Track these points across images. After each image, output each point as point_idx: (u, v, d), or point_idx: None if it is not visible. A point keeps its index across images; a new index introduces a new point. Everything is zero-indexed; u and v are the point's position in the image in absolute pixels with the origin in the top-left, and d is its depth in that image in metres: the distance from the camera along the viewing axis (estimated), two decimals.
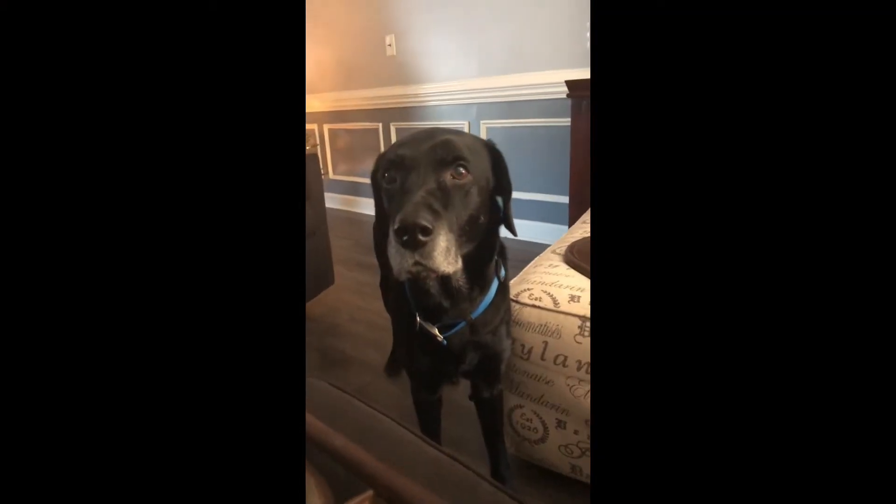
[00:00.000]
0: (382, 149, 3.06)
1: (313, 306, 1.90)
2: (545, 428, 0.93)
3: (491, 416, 0.93)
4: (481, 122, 2.59)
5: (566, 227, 2.36)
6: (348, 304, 1.93)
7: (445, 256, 0.55)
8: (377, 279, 1.28)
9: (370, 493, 0.36)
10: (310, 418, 0.43)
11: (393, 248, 0.55)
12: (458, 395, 1.19)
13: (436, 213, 0.55)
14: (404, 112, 2.96)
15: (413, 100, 2.88)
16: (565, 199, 2.33)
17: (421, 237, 0.52)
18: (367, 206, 3.42)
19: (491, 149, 0.69)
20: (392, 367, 1.43)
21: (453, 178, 0.61)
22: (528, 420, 0.95)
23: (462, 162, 0.61)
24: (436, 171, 0.60)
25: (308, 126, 3.57)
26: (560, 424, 0.91)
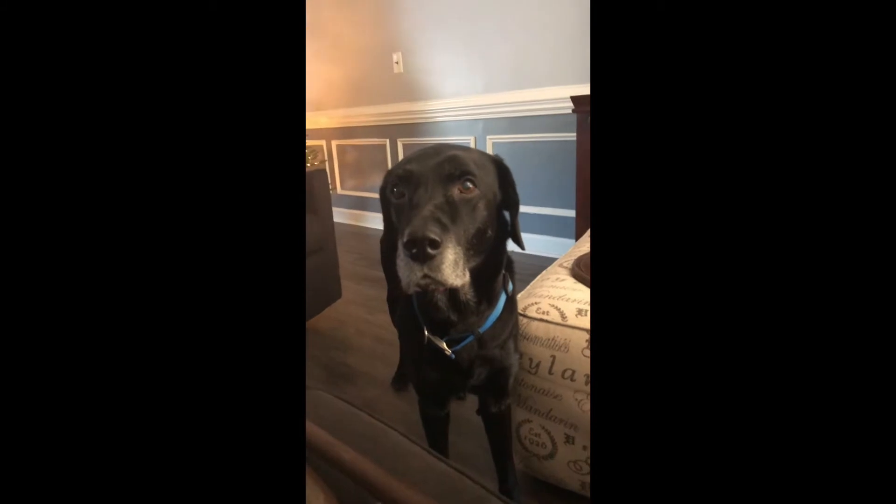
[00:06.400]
0: (390, 164, 3.09)
1: (320, 320, 1.90)
2: (553, 443, 0.92)
3: (499, 432, 0.92)
4: (487, 137, 2.62)
5: (573, 240, 2.36)
6: (355, 317, 1.93)
7: (454, 269, 0.56)
8: (384, 293, 1.28)
9: None
10: (317, 430, 0.43)
11: (402, 262, 0.55)
12: (465, 411, 1.18)
13: (444, 227, 0.56)
14: (411, 128, 3.00)
15: (420, 116, 2.92)
16: (572, 213, 2.34)
17: (430, 250, 0.53)
18: (374, 221, 3.44)
19: (498, 164, 0.70)
20: (399, 382, 1.43)
21: (461, 192, 0.62)
22: (536, 435, 0.94)
23: (469, 176, 0.62)
24: (444, 185, 0.61)
25: (316, 142, 3.62)
26: (569, 440, 0.90)
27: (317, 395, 0.59)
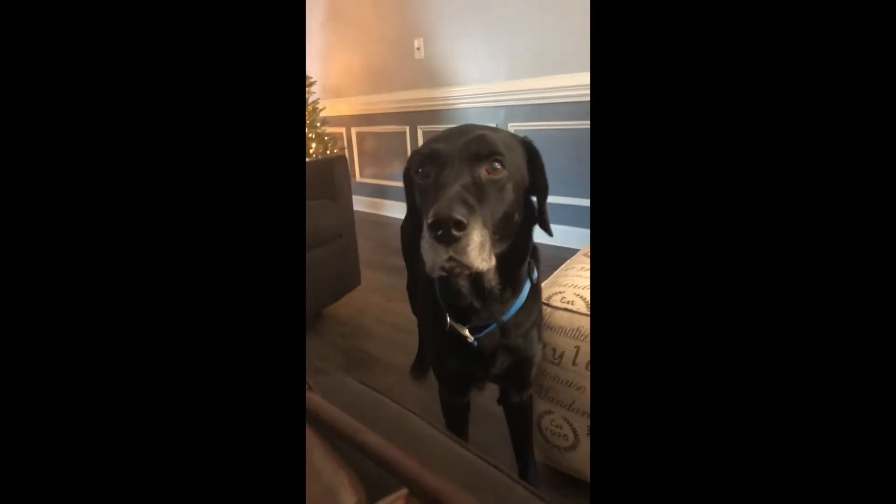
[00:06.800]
0: (409, 152, 3.07)
1: (339, 308, 1.91)
2: (576, 435, 0.90)
3: (519, 422, 0.91)
4: (509, 124, 2.57)
5: None
6: (374, 305, 1.94)
7: (479, 252, 0.54)
8: (403, 281, 1.27)
9: (404, 491, 0.35)
10: (342, 414, 0.42)
11: (426, 244, 0.54)
12: (485, 401, 1.17)
13: (470, 208, 0.54)
14: (432, 115, 2.97)
15: (441, 103, 2.89)
16: None
17: (455, 231, 0.51)
18: (392, 209, 3.44)
19: (527, 146, 0.67)
20: (418, 369, 1.42)
21: (488, 173, 0.59)
22: (557, 427, 0.93)
23: (497, 157, 0.60)
24: (471, 165, 0.59)
25: (337, 129, 3.62)
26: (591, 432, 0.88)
27: (341, 380, 0.58)
